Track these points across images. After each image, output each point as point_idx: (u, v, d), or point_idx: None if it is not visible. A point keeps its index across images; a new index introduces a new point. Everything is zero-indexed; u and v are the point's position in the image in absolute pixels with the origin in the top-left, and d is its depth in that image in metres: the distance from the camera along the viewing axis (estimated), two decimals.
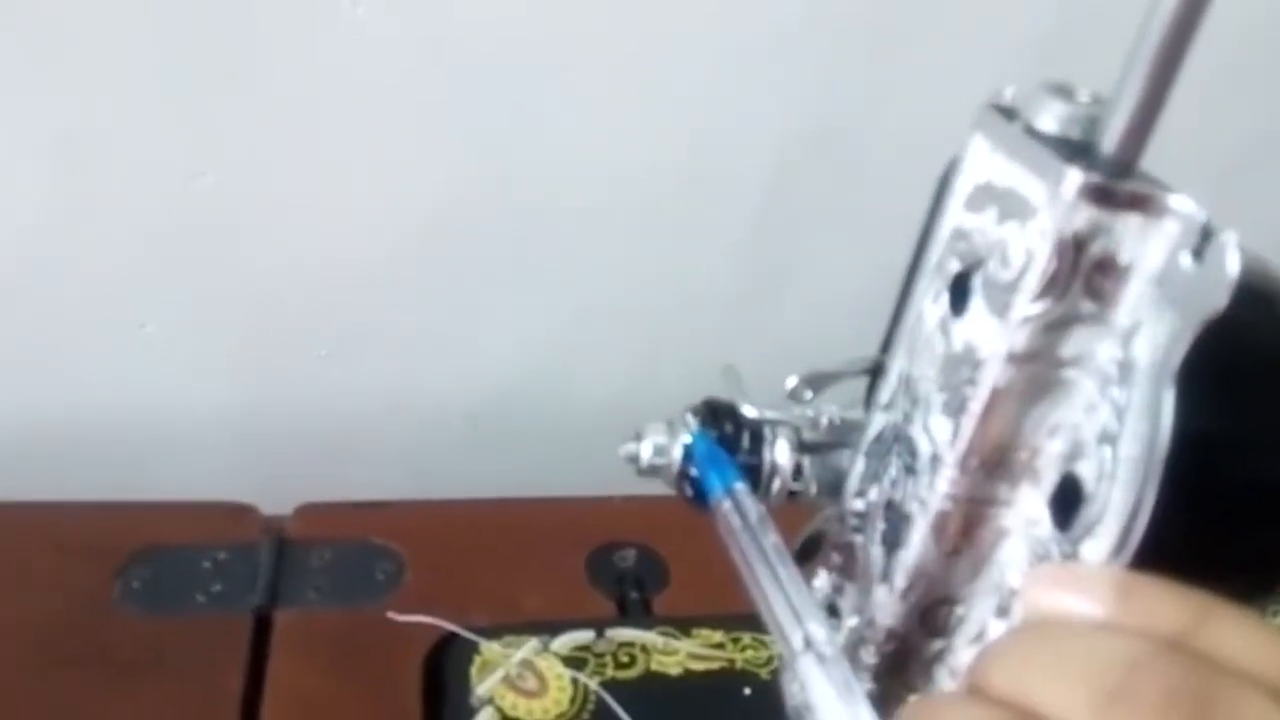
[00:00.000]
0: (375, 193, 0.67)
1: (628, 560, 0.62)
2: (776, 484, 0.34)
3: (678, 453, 0.35)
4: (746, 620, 0.56)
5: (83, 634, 0.53)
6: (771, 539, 0.29)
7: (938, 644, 0.29)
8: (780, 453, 0.34)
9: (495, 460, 0.79)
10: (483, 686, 0.50)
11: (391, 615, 0.54)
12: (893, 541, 0.29)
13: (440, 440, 0.79)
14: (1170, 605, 0.20)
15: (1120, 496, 0.23)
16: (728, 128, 0.69)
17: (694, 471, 0.35)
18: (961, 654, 0.28)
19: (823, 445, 0.34)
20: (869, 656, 0.31)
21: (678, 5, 0.63)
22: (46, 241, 0.65)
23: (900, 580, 0.28)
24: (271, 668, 0.51)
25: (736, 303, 0.76)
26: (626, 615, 0.57)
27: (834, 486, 0.33)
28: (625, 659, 0.53)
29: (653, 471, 0.35)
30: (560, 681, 0.51)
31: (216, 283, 0.69)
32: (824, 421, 0.34)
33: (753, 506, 0.31)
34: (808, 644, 0.25)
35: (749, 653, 0.54)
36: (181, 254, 0.67)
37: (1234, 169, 0.72)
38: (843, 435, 0.34)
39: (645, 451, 0.35)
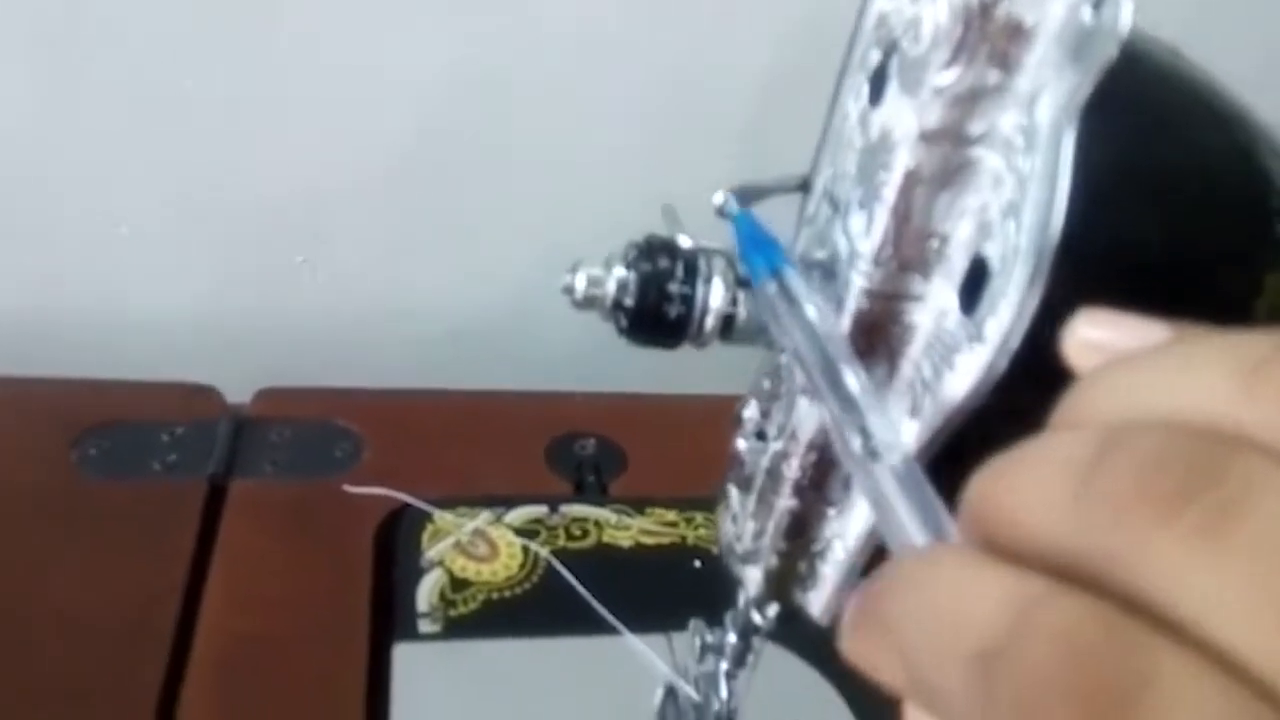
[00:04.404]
0: (366, 103, 0.66)
1: (587, 448, 0.62)
2: (711, 315, 0.34)
3: (612, 285, 0.35)
4: (701, 502, 0.56)
5: (40, 495, 0.53)
6: (823, 326, 0.26)
7: None
8: (715, 284, 0.34)
9: (471, 372, 0.79)
10: (433, 550, 0.50)
11: (346, 488, 0.55)
12: None
13: (415, 351, 0.79)
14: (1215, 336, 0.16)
15: (1022, 267, 0.23)
16: (718, 44, 0.68)
17: (628, 302, 0.35)
18: None
19: None
20: (790, 471, 0.31)
21: None
22: (28, 136, 0.65)
23: None
24: (223, 530, 0.52)
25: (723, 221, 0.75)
26: (582, 494, 0.58)
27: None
28: (578, 532, 0.53)
29: (588, 303, 0.36)
30: (511, 549, 0.51)
31: (196, 188, 0.68)
32: None
33: (803, 289, 0.27)
34: (868, 442, 0.22)
35: (701, 530, 0.54)
36: (162, 157, 0.67)
37: None
38: None
39: (580, 282, 0.35)
